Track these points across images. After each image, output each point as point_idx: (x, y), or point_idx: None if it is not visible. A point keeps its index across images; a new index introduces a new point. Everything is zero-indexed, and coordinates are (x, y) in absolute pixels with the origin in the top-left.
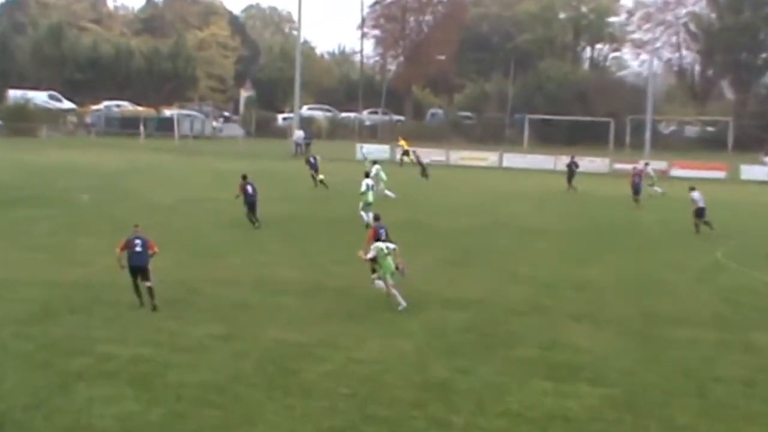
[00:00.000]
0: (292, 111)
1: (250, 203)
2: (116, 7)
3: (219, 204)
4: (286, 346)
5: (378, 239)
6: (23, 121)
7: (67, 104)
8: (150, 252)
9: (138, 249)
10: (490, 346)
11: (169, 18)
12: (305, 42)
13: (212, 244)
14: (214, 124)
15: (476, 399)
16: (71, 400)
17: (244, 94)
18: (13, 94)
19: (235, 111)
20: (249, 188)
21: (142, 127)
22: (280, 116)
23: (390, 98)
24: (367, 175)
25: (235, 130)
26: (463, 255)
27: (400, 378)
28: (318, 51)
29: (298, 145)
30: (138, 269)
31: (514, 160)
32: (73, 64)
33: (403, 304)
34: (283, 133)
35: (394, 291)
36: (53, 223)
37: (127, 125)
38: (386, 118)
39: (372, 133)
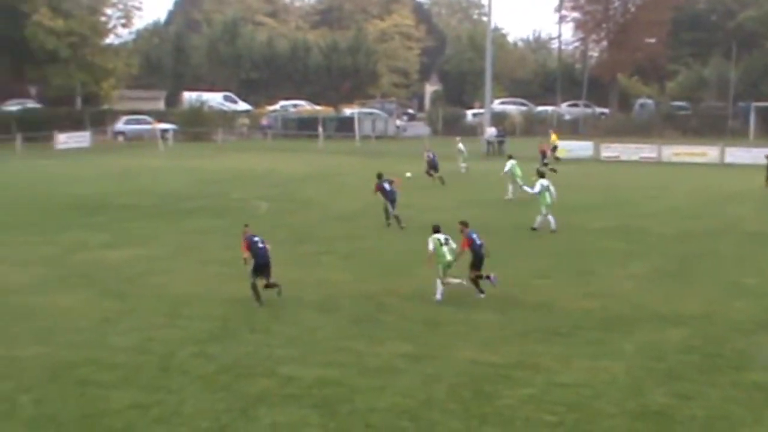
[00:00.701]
0: (482, 106)
1: (391, 201)
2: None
3: (405, 211)
4: (482, 367)
5: (472, 244)
6: (198, 125)
7: (242, 105)
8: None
9: (261, 245)
10: (715, 368)
11: (348, 8)
12: (496, 29)
13: (397, 254)
14: (398, 122)
15: (702, 430)
16: (253, 425)
17: (430, 88)
18: (188, 96)
19: (420, 108)
20: (386, 185)
21: (320, 129)
22: (469, 112)
23: (592, 88)
24: (542, 176)
25: (421, 128)
26: (680, 264)
27: (611, 404)
28: (510, 38)
29: (489, 143)
30: (264, 266)
31: (737, 154)
32: (249, 62)
33: (438, 298)
34: (473, 131)
35: (447, 280)
36: (229, 234)
37: (305, 126)
38: (588, 111)
39: (573, 128)
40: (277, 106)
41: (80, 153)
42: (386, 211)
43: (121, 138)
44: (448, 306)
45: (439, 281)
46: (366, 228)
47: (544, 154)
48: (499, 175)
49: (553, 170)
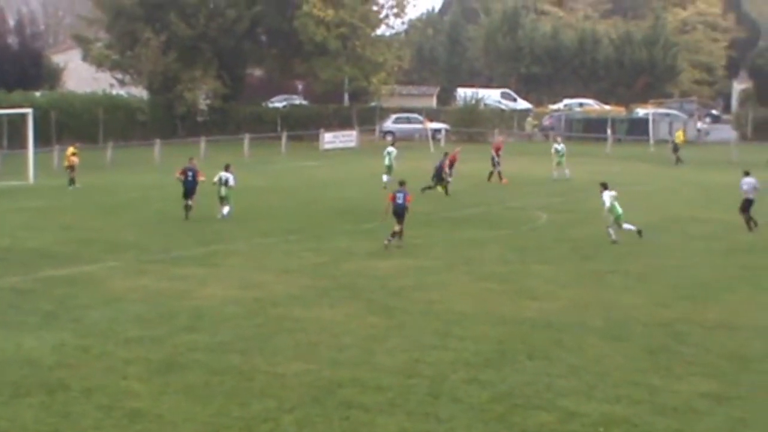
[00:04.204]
0: None
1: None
2: None
3: (706, 226)
4: None
5: None
6: (473, 124)
7: (521, 104)
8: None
9: (399, 201)
10: None
11: None
12: None
13: (700, 276)
14: (699, 125)
15: None
16: None
17: (738, 86)
18: (462, 92)
19: (726, 109)
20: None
21: (609, 131)
22: None
23: None
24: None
25: (726, 132)
26: None
27: None
28: None
29: None
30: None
31: None
32: (530, 55)
33: (613, 237)
34: None
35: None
36: (504, 246)
37: (592, 128)
38: None
39: None
40: (560, 105)
41: (347, 153)
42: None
43: (389, 138)
44: (759, 339)
45: (610, 229)
46: (662, 244)
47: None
48: None
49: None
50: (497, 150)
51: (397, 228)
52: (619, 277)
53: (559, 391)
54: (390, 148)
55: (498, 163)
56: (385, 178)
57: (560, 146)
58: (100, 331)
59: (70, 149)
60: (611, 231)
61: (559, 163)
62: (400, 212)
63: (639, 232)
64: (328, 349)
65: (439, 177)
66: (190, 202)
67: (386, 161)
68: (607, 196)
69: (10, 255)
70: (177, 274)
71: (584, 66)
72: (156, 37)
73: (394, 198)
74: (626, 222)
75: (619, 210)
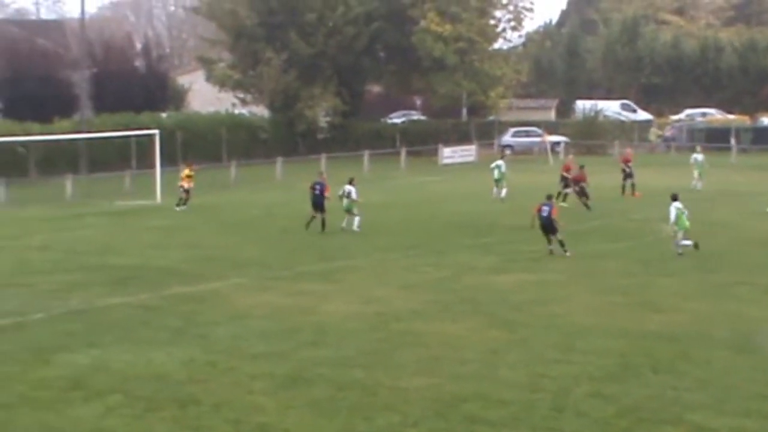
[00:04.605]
0: None
1: None
2: None
3: None
4: None
5: None
6: (592, 137)
7: (642, 115)
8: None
9: (544, 214)
10: None
11: None
12: None
13: None
14: None
15: None
16: None
17: None
18: (581, 105)
19: None
20: None
21: (733, 140)
22: None
23: None
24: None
25: None
26: None
27: None
28: None
29: None
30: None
31: None
32: (650, 65)
33: (680, 250)
34: None
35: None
36: (627, 259)
37: (715, 138)
38: None
39: None
40: (681, 115)
41: (465, 168)
42: None
43: (508, 151)
44: None
45: (677, 242)
46: None
47: None
48: None
49: None
50: (626, 162)
51: (550, 241)
52: (745, 289)
53: (686, 405)
54: (498, 162)
55: (630, 176)
56: (494, 191)
57: (700, 156)
58: (227, 347)
59: (186, 171)
60: (685, 242)
61: (700, 174)
62: (546, 225)
63: (695, 245)
64: (451, 363)
65: (581, 190)
66: (316, 215)
67: (495, 175)
68: (674, 209)
69: (140, 273)
70: (300, 290)
71: (707, 75)
72: (277, 56)
73: (539, 210)
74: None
75: (686, 223)
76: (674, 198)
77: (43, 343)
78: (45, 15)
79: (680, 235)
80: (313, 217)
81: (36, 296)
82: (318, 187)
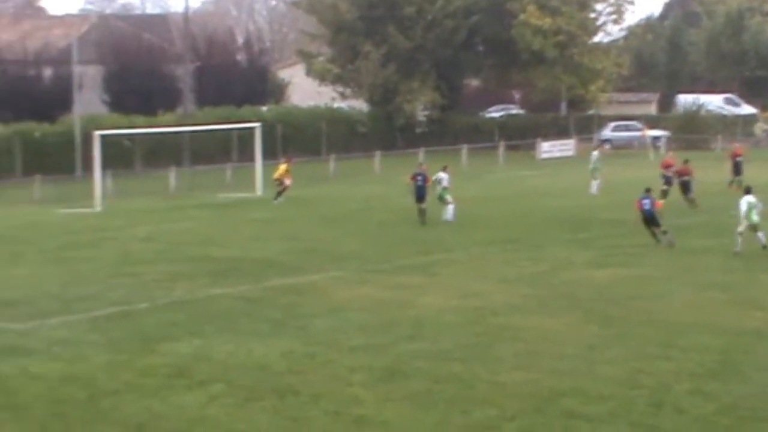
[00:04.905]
0: None
1: None
2: None
3: None
4: None
5: None
6: (694, 131)
7: (746, 108)
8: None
9: (647, 207)
10: None
11: None
12: None
13: None
14: None
15: None
16: None
17: None
18: (683, 99)
19: None
20: None
21: None
22: None
23: None
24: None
25: None
26: None
27: None
28: None
29: None
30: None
31: None
32: (755, 59)
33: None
34: None
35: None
36: (728, 255)
37: None
38: None
39: None
40: None
41: (564, 163)
42: None
43: (607, 146)
44: None
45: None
46: None
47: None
48: None
49: None
50: (736, 157)
51: (654, 234)
52: None
53: None
54: (593, 152)
55: (740, 171)
56: (593, 185)
57: None
58: (325, 339)
59: (283, 166)
60: (761, 236)
61: None
62: (649, 218)
63: (764, 246)
64: (549, 358)
65: (685, 185)
66: (423, 206)
67: (591, 166)
68: (744, 202)
69: (240, 264)
70: (398, 283)
71: None
72: (376, 50)
73: (641, 205)
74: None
75: (755, 218)
76: (747, 191)
77: (148, 332)
78: (150, 10)
79: (746, 227)
80: (421, 209)
81: (141, 286)
82: (420, 177)
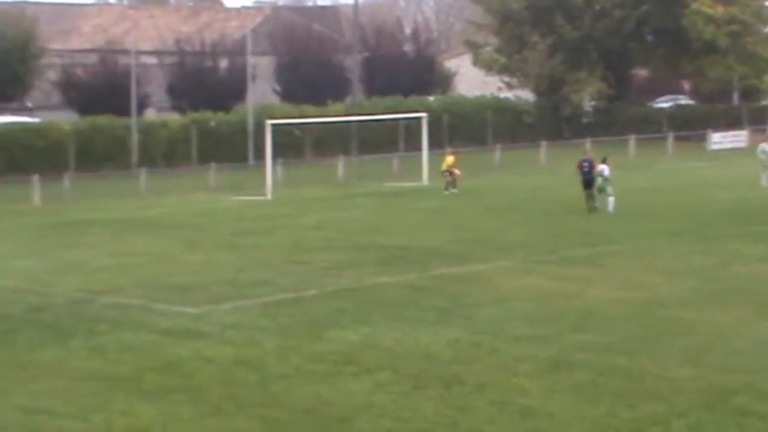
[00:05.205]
0: None
1: None
2: None
3: None
4: None
5: None
6: None
7: None
8: None
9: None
10: None
11: None
12: None
13: None
14: None
15: None
16: None
17: None
18: None
19: None
20: None
21: None
22: None
23: None
24: None
25: None
26: None
27: None
28: None
29: None
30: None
31: None
32: None
33: None
34: None
35: None
36: None
37: None
38: None
39: None
40: None
41: (736, 154)
42: None
43: None
44: None
45: None
46: None
47: None
48: None
49: None
50: None
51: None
52: None
53: None
54: (762, 144)
55: None
56: (764, 177)
57: None
58: (491, 329)
59: (450, 158)
60: None
61: None
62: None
63: None
64: (719, 353)
65: None
66: (591, 192)
67: (761, 157)
68: None
69: (407, 253)
70: (564, 274)
71: None
72: (542, 40)
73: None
74: None
75: None
76: None
77: (316, 319)
78: (320, 2)
79: None
80: (590, 194)
81: (310, 273)
82: (586, 164)
